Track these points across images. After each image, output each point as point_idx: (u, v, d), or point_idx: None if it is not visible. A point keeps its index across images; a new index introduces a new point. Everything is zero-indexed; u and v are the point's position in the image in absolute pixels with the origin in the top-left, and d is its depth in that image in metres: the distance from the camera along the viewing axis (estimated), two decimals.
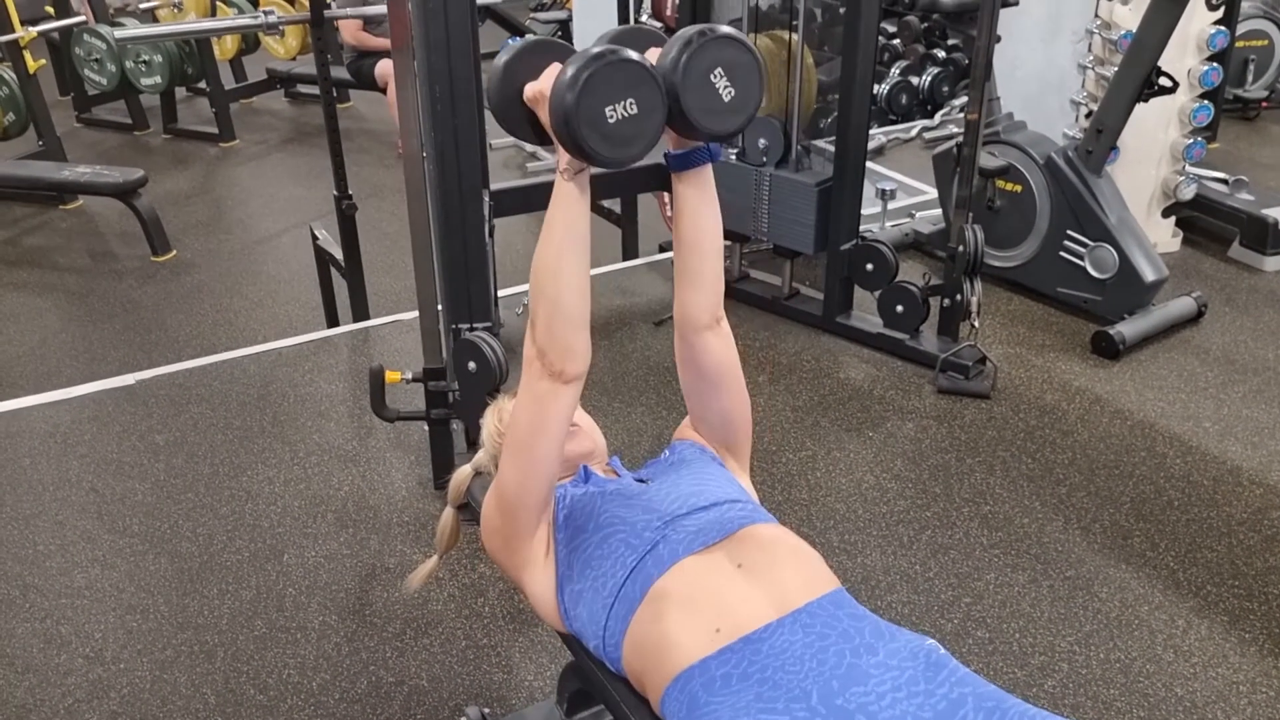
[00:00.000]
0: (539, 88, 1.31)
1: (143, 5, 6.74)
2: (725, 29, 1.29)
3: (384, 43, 6.08)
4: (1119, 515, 2.65)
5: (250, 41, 7.18)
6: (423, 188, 2.50)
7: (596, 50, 1.23)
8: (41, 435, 3.07)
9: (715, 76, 1.28)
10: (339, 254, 3.73)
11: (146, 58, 6.04)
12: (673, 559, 1.35)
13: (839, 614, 1.31)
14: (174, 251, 4.57)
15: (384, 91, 6.17)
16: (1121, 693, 2.12)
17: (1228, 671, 2.17)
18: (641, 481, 1.55)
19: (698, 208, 1.45)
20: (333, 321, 3.84)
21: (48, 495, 2.79)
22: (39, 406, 3.23)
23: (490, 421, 1.76)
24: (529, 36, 1.39)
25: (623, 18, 4.52)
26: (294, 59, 7.39)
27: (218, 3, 6.70)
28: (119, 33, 3.88)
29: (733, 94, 1.29)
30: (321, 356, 3.52)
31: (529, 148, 5.76)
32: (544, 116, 1.30)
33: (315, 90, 7.18)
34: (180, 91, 6.65)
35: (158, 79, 6.13)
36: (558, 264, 1.33)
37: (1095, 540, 2.56)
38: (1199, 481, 2.78)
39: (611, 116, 1.21)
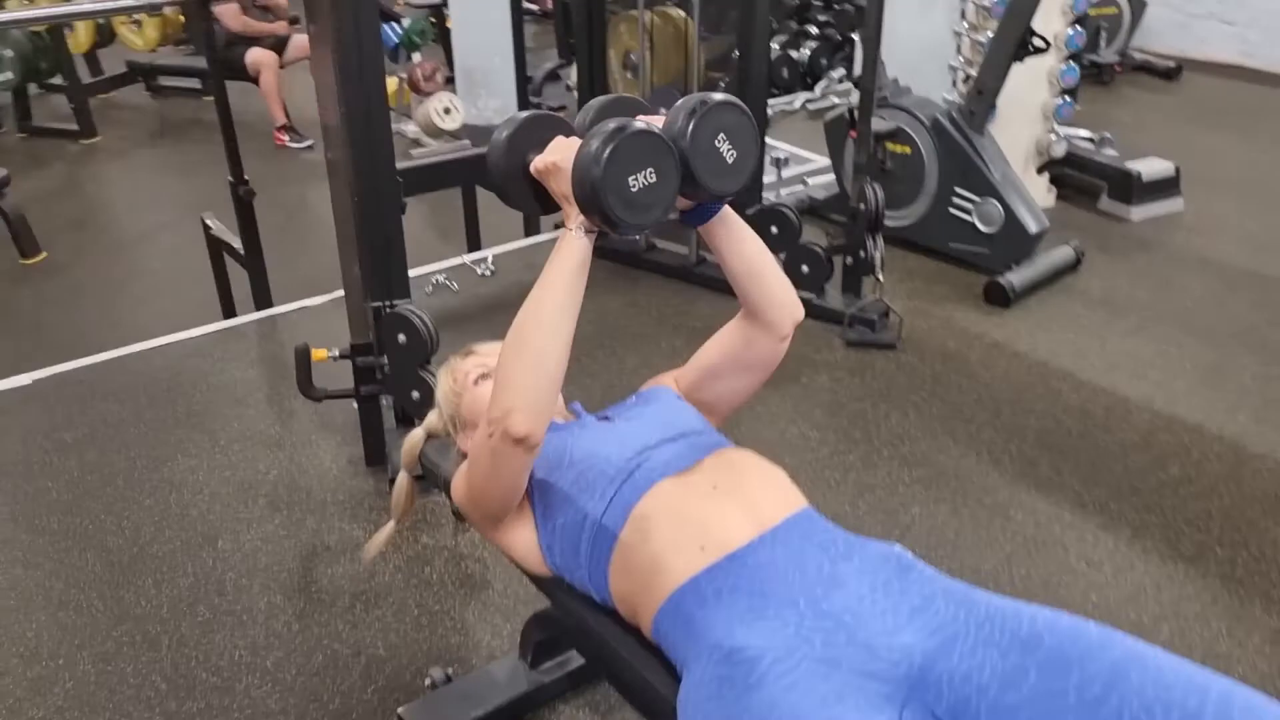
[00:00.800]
0: (550, 160, 1.35)
1: None
2: (720, 96, 1.37)
3: (268, 27, 5.91)
4: (1025, 446, 2.83)
5: (105, 34, 6.88)
6: (346, 165, 2.48)
7: (616, 124, 1.28)
8: None
9: (719, 141, 1.34)
10: (235, 242, 3.65)
11: None
12: (650, 483, 1.41)
13: (813, 528, 1.39)
14: (44, 253, 4.37)
15: (255, 81, 6.01)
16: (1044, 603, 2.26)
17: (1135, 576, 2.35)
18: (605, 420, 1.60)
19: (735, 245, 1.50)
20: (229, 312, 3.75)
21: None
22: None
23: (444, 382, 1.78)
24: (529, 112, 1.45)
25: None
26: (154, 50, 7.12)
27: None
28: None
29: (735, 155, 1.37)
30: (230, 345, 3.44)
31: (410, 134, 5.71)
32: (556, 187, 1.35)
33: (179, 83, 7.00)
34: (31, 88, 6.32)
35: (9, 75, 5.81)
36: (555, 320, 1.33)
37: (1006, 470, 2.73)
38: (1093, 411, 2.99)
39: (634, 185, 1.27)
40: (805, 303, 3.56)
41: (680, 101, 1.37)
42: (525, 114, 1.44)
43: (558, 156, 1.35)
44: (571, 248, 1.34)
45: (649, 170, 1.28)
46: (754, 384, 1.66)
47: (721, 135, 1.35)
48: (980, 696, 1.22)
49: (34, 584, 2.36)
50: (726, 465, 1.46)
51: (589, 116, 1.44)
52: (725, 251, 1.52)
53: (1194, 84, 6.44)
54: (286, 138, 5.91)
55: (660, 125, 1.36)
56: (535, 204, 1.42)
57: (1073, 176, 4.53)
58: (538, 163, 1.38)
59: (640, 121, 1.32)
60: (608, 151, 1.25)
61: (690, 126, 1.32)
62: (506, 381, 1.34)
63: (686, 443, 1.50)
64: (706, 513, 1.38)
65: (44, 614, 2.27)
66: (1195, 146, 5.23)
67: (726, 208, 1.49)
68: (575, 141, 1.35)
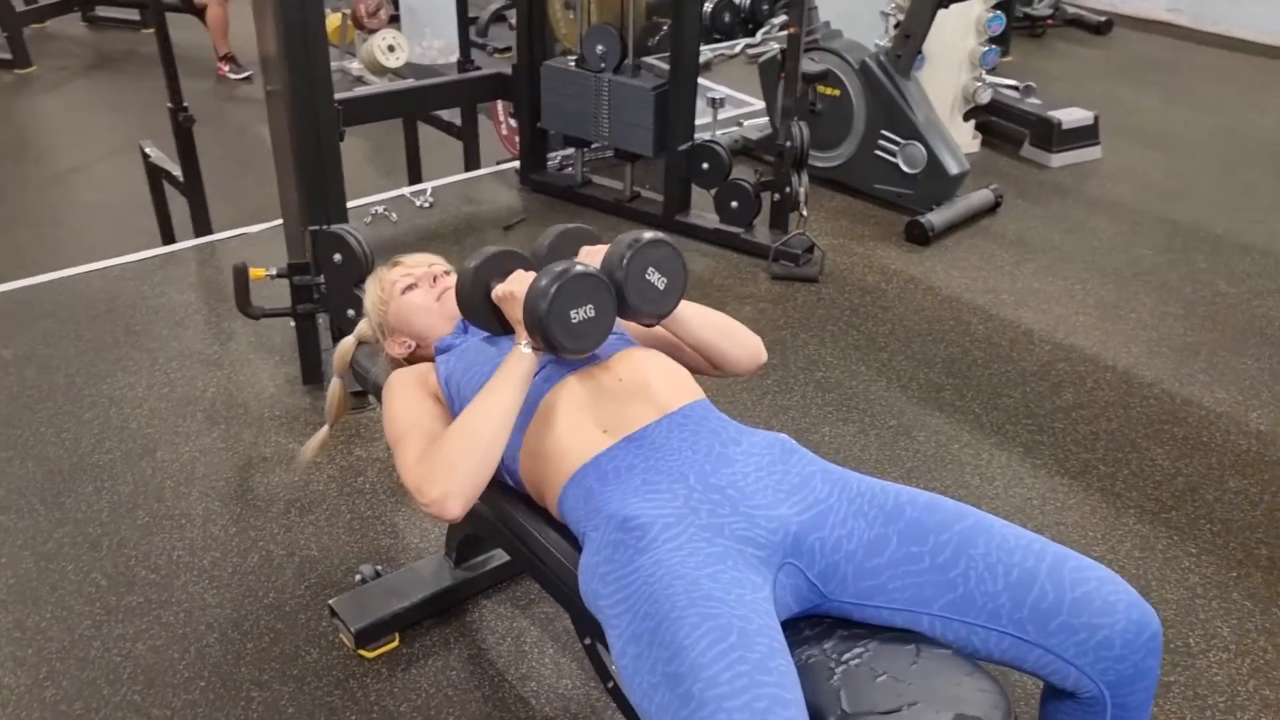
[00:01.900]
0: (509, 289, 1.55)
1: None
2: (649, 234, 1.58)
3: None
4: (933, 374, 3.00)
5: None
6: (285, 94, 2.54)
7: (560, 267, 1.48)
8: None
9: (649, 274, 1.56)
10: (175, 170, 3.68)
11: None
12: (560, 376, 1.54)
13: (708, 415, 1.53)
14: None
15: (200, 14, 5.96)
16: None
17: (1024, 490, 2.53)
18: None
19: (691, 330, 1.68)
20: (169, 239, 3.79)
21: None
22: None
23: (373, 291, 1.89)
24: (492, 248, 1.64)
25: None
26: None
27: None
28: None
29: (665, 282, 1.58)
30: (169, 270, 3.49)
31: (355, 71, 5.71)
32: (511, 313, 1.55)
33: (117, 14, 6.89)
34: None
35: None
36: (502, 421, 1.47)
37: (913, 395, 2.90)
38: (998, 343, 3.16)
39: (575, 318, 1.48)
40: (734, 238, 3.70)
41: (617, 240, 1.57)
42: (491, 249, 1.66)
43: (515, 287, 1.54)
44: (519, 362, 1.51)
45: (589, 306, 1.49)
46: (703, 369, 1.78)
47: (651, 268, 1.56)
48: (848, 561, 1.37)
49: None
50: (631, 361, 1.59)
51: (544, 245, 1.70)
52: (684, 337, 1.69)
53: (1123, 39, 6.62)
54: (227, 68, 5.89)
55: (599, 262, 1.56)
56: (496, 324, 1.63)
57: (997, 124, 4.69)
58: (498, 291, 1.59)
59: (581, 264, 1.51)
60: (553, 290, 1.46)
61: (624, 263, 1.53)
62: (451, 469, 1.45)
63: None
64: (609, 401, 1.52)
65: None
66: (1119, 99, 5.42)
67: (681, 305, 1.66)
68: (531, 275, 1.54)
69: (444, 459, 1.47)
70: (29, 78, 5.86)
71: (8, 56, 5.95)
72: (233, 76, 5.88)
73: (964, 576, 1.33)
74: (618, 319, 1.57)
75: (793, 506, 1.41)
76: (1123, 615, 1.27)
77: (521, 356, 1.51)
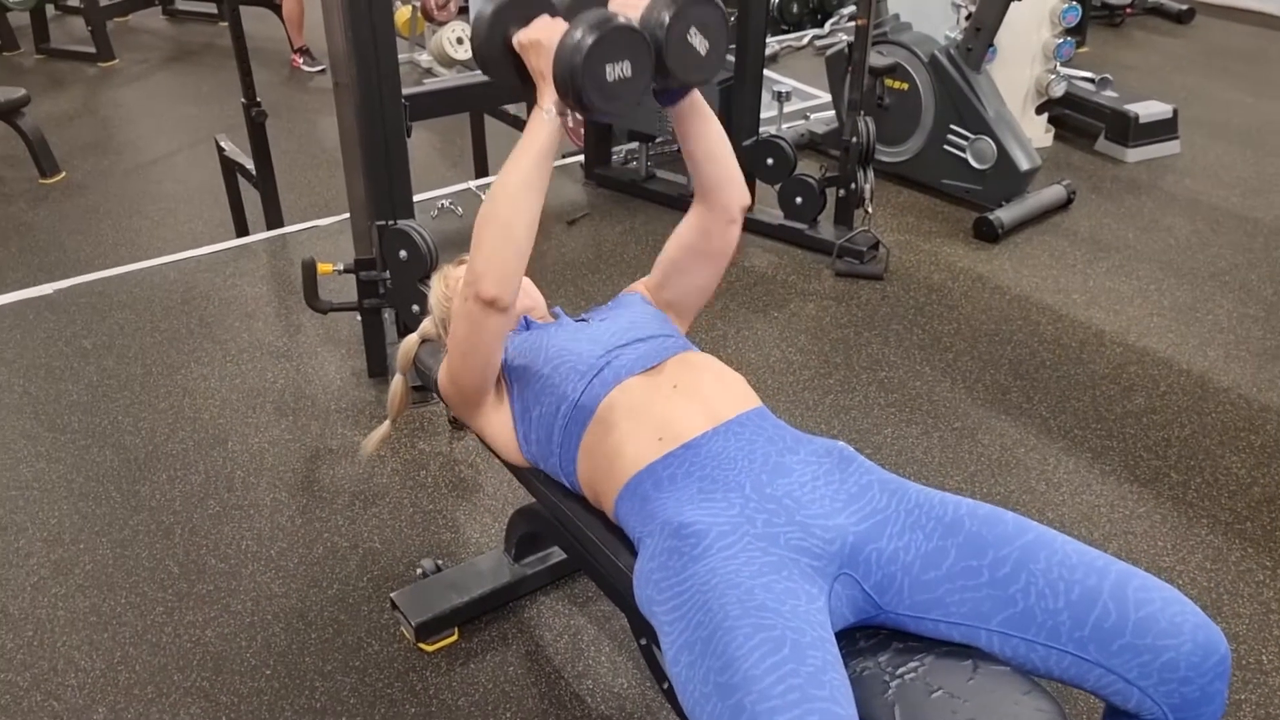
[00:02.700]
0: (533, 36, 1.44)
1: None
2: None
3: None
4: (999, 375, 2.95)
5: None
6: (352, 90, 2.58)
7: (597, 15, 1.36)
8: None
9: (691, 34, 1.44)
10: (248, 164, 3.76)
11: None
12: (616, 379, 1.54)
13: (764, 424, 1.52)
14: (64, 173, 4.49)
15: (276, 7, 6.07)
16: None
17: (1091, 497, 2.48)
18: (582, 321, 1.73)
19: (699, 126, 1.61)
20: (241, 231, 3.87)
21: None
22: None
23: (438, 287, 1.91)
24: None
25: None
26: None
27: None
28: None
29: (707, 46, 1.46)
30: (241, 262, 3.57)
31: (424, 64, 5.77)
32: (535, 64, 1.43)
33: (195, 8, 7.05)
34: (49, 9, 6.38)
35: None
36: (522, 192, 1.44)
37: (978, 397, 2.85)
38: (1068, 344, 3.10)
39: (610, 75, 1.37)
40: (798, 233, 3.69)
41: None
42: None
43: (540, 34, 1.44)
44: (542, 127, 1.45)
45: (625, 63, 1.38)
46: (712, 275, 1.77)
47: (694, 29, 1.44)
48: (904, 574, 1.36)
49: (56, 476, 2.53)
50: (688, 366, 1.59)
51: None
52: (689, 133, 1.63)
53: (1206, 27, 6.42)
54: (301, 60, 6.00)
55: (639, 15, 1.45)
56: (514, 76, 1.50)
57: (1071, 117, 4.58)
58: (520, 36, 1.46)
59: (620, 16, 1.41)
60: (590, 42, 1.34)
61: (666, 19, 1.42)
62: (477, 249, 1.47)
63: (654, 344, 1.62)
64: (666, 408, 1.51)
65: (66, 503, 2.44)
66: (1200, 91, 5.26)
67: (695, 93, 1.60)
68: (559, 22, 1.44)
69: (474, 244, 1.47)
70: (112, 71, 6.02)
71: (92, 50, 6.12)
72: (306, 69, 5.98)
73: (1024, 592, 1.30)
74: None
75: (850, 516, 1.40)
76: (1189, 637, 1.23)
77: (543, 120, 1.44)
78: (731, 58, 3.75)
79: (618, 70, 1.37)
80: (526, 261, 1.49)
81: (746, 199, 1.71)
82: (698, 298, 1.80)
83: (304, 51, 6.01)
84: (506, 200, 1.45)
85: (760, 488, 1.41)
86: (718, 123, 1.65)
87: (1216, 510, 2.44)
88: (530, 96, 1.49)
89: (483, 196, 4.03)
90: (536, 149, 1.45)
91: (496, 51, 1.47)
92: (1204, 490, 2.51)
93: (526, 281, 1.86)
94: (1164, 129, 4.42)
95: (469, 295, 1.48)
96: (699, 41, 1.45)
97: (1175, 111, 4.44)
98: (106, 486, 2.50)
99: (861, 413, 2.78)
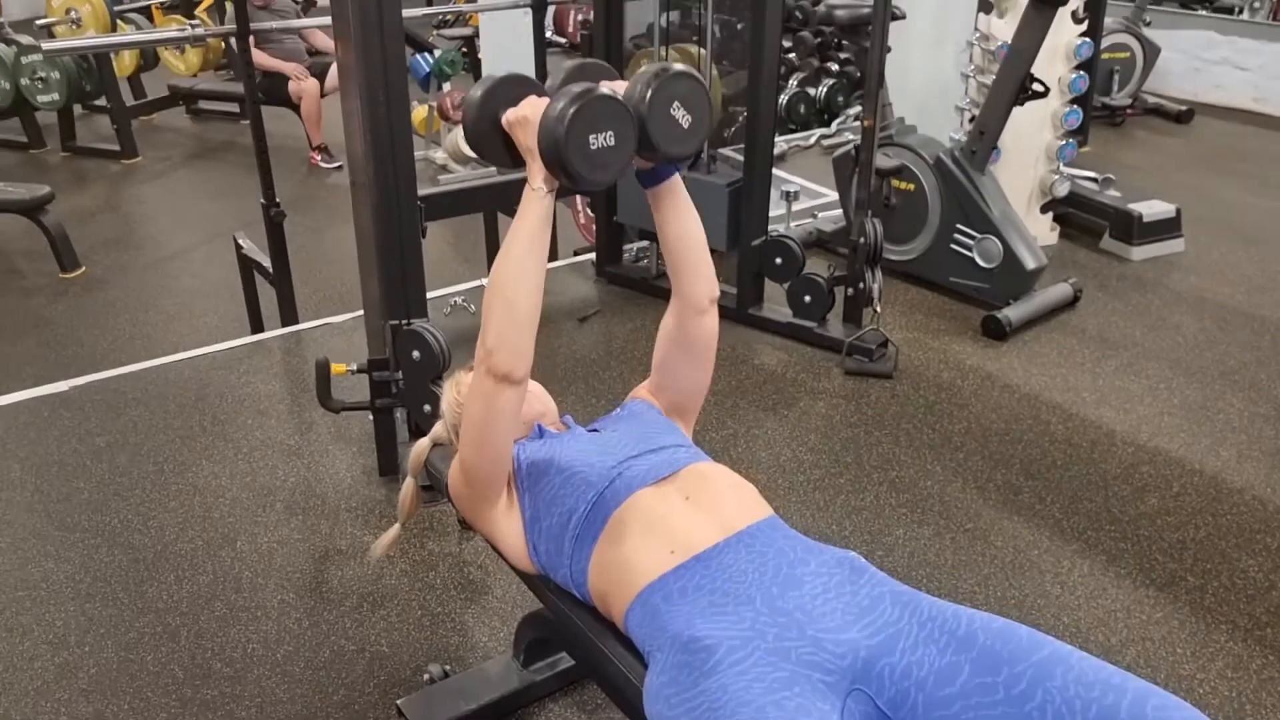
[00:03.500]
0: (520, 114, 1.50)
1: (39, 22, 6.67)
2: (678, 66, 1.52)
3: (279, 64, 6.12)
4: (1010, 475, 2.94)
5: (150, 58, 7.15)
6: (369, 190, 2.64)
7: (580, 88, 1.42)
8: None
9: (674, 108, 1.49)
10: (265, 261, 3.82)
11: (44, 74, 5.98)
12: (628, 491, 1.54)
13: (775, 535, 1.52)
14: (83, 268, 4.57)
15: (295, 108, 6.24)
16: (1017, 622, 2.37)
17: (1107, 601, 2.45)
18: (594, 431, 1.74)
19: (677, 212, 1.66)
20: (257, 328, 3.92)
21: None
22: None
23: (449, 393, 1.93)
24: (505, 71, 1.63)
25: (537, 34, 4.70)
26: (195, 75, 7.39)
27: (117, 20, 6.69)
28: (47, 44, 3.91)
29: (690, 120, 1.52)
30: (255, 359, 3.61)
31: (439, 160, 5.90)
32: (523, 140, 1.49)
33: (218, 107, 7.25)
34: (76, 109, 6.57)
35: (55, 96, 6.07)
36: (520, 269, 1.49)
37: (990, 497, 2.84)
38: (1079, 443, 3.09)
39: (594, 144, 1.41)
40: (807, 331, 3.71)
41: (640, 70, 1.52)
42: (501, 73, 1.57)
43: (528, 111, 1.50)
44: (533, 203, 1.49)
45: (609, 133, 1.42)
46: (699, 371, 1.79)
47: (677, 103, 1.49)
48: (918, 690, 1.34)
49: (64, 576, 2.52)
50: (699, 477, 1.59)
51: (559, 78, 1.58)
52: (665, 218, 1.67)
53: (1205, 128, 6.54)
54: (319, 157, 6.15)
55: (622, 91, 1.50)
56: (504, 155, 1.54)
57: (1076, 216, 4.64)
58: (509, 115, 1.52)
59: (605, 87, 1.46)
60: (572, 111, 1.39)
61: (648, 93, 1.47)
62: (486, 326, 1.51)
63: (665, 455, 1.63)
64: (678, 520, 1.51)
65: (72, 605, 2.43)
66: (1202, 189, 5.33)
67: (676, 178, 1.64)
68: (545, 100, 1.49)
69: (482, 323, 1.50)
70: (135, 167, 6.17)
71: (116, 148, 6.28)
72: (325, 165, 6.12)
73: (1040, 710, 1.28)
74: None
75: (862, 630, 1.38)
76: None
77: (534, 196, 1.47)
78: (740, 157, 3.83)
79: (601, 139, 1.41)
80: (534, 335, 1.53)
81: (715, 291, 1.73)
82: (694, 397, 1.83)
83: (322, 149, 6.16)
84: (507, 278, 1.49)
85: (771, 600, 1.40)
86: (695, 213, 1.69)
87: (1235, 615, 2.40)
88: (517, 164, 1.54)
89: None
90: (530, 225, 1.49)
91: (487, 129, 1.52)
92: (1222, 595, 2.47)
93: (538, 388, 1.88)
94: (1168, 227, 4.48)
95: (482, 372, 1.51)
96: (681, 115, 1.49)
97: (1178, 210, 4.50)
98: (114, 587, 2.48)
99: (873, 513, 2.77)
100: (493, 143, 1.53)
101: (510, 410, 1.56)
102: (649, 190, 1.66)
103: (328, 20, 2.74)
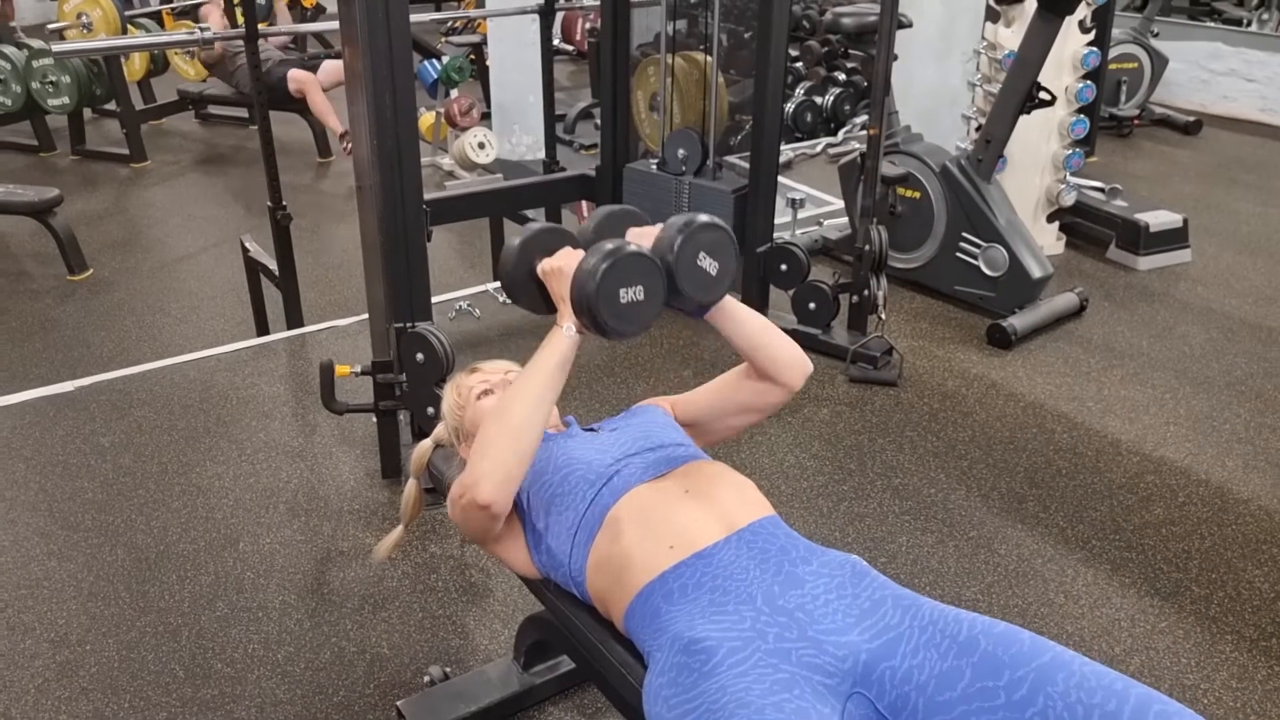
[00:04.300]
0: (556, 264, 1.57)
1: (50, 26, 6.71)
2: (703, 217, 1.57)
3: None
4: (1014, 483, 2.93)
5: (159, 63, 7.17)
6: (374, 194, 2.65)
7: (613, 245, 1.48)
8: None
9: (701, 259, 1.55)
10: (272, 264, 3.83)
11: (54, 78, 6.01)
12: (626, 487, 1.54)
13: (776, 533, 1.51)
14: (90, 270, 4.58)
15: (299, 104, 6.23)
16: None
17: (1110, 610, 2.44)
18: (591, 431, 1.74)
19: (736, 327, 1.68)
20: (263, 330, 3.92)
21: None
22: None
23: (450, 396, 1.93)
24: (540, 223, 1.73)
25: (545, 42, 4.72)
26: (204, 80, 7.41)
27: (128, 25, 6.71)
28: (57, 47, 3.93)
29: (718, 268, 1.57)
30: (260, 361, 3.62)
31: (446, 167, 5.91)
32: (556, 289, 1.55)
33: (227, 112, 7.27)
34: (86, 112, 6.59)
35: (65, 100, 6.09)
36: (535, 403, 1.51)
37: (994, 505, 2.83)
38: (1084, 453, 3.08)
39: (624, 298, 1.47)
40: (811, 338, 3.70)
41: (669, 222, 1.57)
42: (537, 225, 1.66)
43: (562, 263, 1.56)
44: (560, 343, 1.54)
45: (638, 288, 1.48)
46: (755, 421, 1.83)
47: (703, 253, 1.55)
48: (919, 694, 1.33)
49: (66, 575, 2.52)
50: (699, 474, 1.59)
51: (591, 226, 1.66)
52: (729, 334, 1.70)
53: (1213, 139, 6.52)
54: (347, 144, 6.10)
55: (651, 244, 1.55)
56: (538, 301, 1.62)
57: (1082, 225, 4.63)
58: (544, 265, 1.59)
59: (633, 244, 1.51)
60: (604, 268, 1.45)
61: (676, 246, 1.52)
62: (483, 451, 1.51)
63: (664, 453, 1.63)
64: (677, 515, 1.51)
65: (74, 603, 2.43)
66: (1209, 199, 5.32)
67: (727, 299, 1.66)
68: (579, 253, 1.55)
69: (478, 445, 1.51)
70: (143, 171, 6.19)
71: (125, 152, 6.30)
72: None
73: (1042, 715, 1.27)
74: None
75: (863, 633, 1.38)
76: None
77: (562, 338, 1.52)
78: (747, 165, 3.84)
79: (630, 294, 1.48)
80: (526, 469, 1.54)
81: (808, 369, 1.74)
82: (728, 435, 1.86)
83: (345, 136, 6.10)
84: (521, 410, 1.51)
85: (772, 599, 1.40)
86: (756, 316, 1.71)
87: (1241, 626, 2.39)
88: (550, 310, 1.60)
89: (500, 299, 4.09)
90: (552, 364, 1.53)
91: (523, 277, 1.61)
92: (1227, 605, 2.46)
93: None
94: (1174, 238, 4.47)
95: (464, 494, 1.51)
96: (708, 264, 1.55)
97: (1185, 221, 4.49)
98: (116, 586, 2.49)
99: (876, 520, 2.76)
100: (527, 288, 1.61)
101: (485, 530, 1.59)
102: (703, 318, 1.68)
103: (334, 25, 2.75)
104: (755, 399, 1.76)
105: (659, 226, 1.61)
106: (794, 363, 1.72)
